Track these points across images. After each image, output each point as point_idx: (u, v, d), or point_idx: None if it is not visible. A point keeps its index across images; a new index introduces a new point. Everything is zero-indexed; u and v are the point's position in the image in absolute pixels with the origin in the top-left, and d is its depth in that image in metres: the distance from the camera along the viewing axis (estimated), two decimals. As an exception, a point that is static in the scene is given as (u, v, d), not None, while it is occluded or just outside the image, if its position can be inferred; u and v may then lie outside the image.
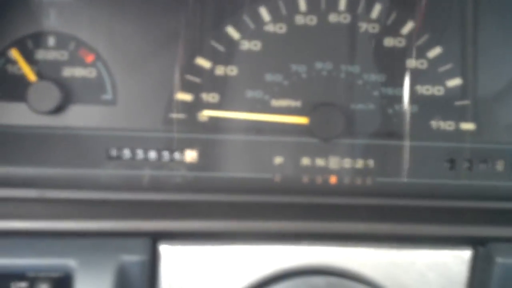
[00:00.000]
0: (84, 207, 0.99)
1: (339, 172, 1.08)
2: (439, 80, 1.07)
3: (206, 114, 1.07)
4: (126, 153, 1.07)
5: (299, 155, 1.08)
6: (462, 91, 1.07)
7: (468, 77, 1.07)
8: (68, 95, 1.05)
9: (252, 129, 1.07)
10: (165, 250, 0.93)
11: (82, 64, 1.06)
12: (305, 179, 1.08)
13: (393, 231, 0.95)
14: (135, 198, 1.03)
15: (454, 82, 1.07)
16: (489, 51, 1.07)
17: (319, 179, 1.08)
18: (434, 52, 1.07)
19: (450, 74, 1.07)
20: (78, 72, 1.06)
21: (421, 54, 1.07)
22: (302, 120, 1.06)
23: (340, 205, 1.03)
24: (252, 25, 1.07)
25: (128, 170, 1.07)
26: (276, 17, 1.07)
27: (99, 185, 1.06)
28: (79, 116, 1.06)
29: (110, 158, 1.06)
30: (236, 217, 0.96)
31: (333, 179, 1.08)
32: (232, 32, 1.07)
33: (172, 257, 0.93)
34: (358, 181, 1.08)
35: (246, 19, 1.07)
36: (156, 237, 0.93)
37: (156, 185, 1.07)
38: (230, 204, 1.02)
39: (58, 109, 1.05)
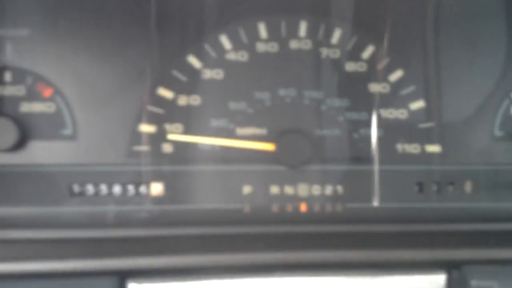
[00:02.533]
0: (48, 247, 0.96)
1: (308, 200, 1.07)
2: (403, 103, 1.08)
3: (171, 137, 1.05)
4: (90, 188, 1.04)
5: (268, 183, 1.07)
6: (426, 114, 1.08)
7: (431, 100, 1.08)
8: (26, 131, 1.02)
9: (218, 158, 1.06)
10: (134, 288, 0.91)
11: (40, 98, 1.04)
12: (275, 208, 1.07)
13: (366, 258, 0.94)
14: (100, 235, 1.00)
15: (417, 104, 1.08)
16: (451, 73, 1.09)
17: (289, 208, 1.07)
18: (396, 75, 1.08)
19: (413, 97, 1.08)
20: (36, 107, 1.03)
21: (383, 78, 1.08)
22: (268, 146, 1.05)
23: (311, 233, 1.02)
24: (213, 54, 1.06)
25: (92, 206, 1.03)
26: (237, 45, 1.07)
27: (63, 223, 1.03)
28: (39, 153, 1.03)
29: (73, 194, 1.03)
30: (206, 251, 0.94)
31: (303, 207, 1.07)
32: (193, 61, 1.06)
33: (141, 295, 0.91)
34: (328, 208, 1.07)
35: (207, 47, 1.06)
36: (124, 276, 0.91)
37: (121, 221, 1.04)
38: (199, 238, 1.00)
39: (17, 146, 1.02)
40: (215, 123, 1.06)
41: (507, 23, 1.09)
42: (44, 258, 0.91)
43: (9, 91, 1.03)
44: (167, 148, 1.05)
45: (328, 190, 1.07)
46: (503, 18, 1.09)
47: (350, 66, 1.08)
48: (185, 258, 0.93)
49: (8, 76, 1.03)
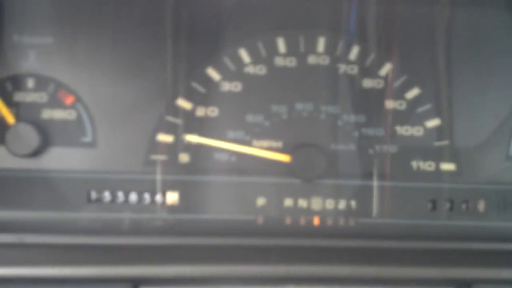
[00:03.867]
0: (63, 252, 0.97)
1: (321, 213, 1.07)
2: (418, 121, 1.08)
3: (189, 138, 1.06)
4: (107, 195, 1.05)
5: (282, 196, 1.07)
6: (441, 132, 1.08)
7: (447, 118, 1.08)
8: (47, 137, 1.04)
9: (234, 169, 1.07)
10: (146, 296, 0.92)
11: (62, 106, 1.05)
12: (288, 220, 1.07)
13: (377, 273, 0.94)
14: (115, 242, 1.01)
15: (433, 122, 1.08)
16: (467, 93, 1.09)
17: (302, 221, 1.07)
18: (412, 93, 1.08)
19: (429, 115, 1.08)
20: (57, 114, 1.05)
21: (399, 95, 1.08)
22: (284, 157, 1.06)
23: (323, 247, 1.02)
24: (232, 67, 1.07)
25: (108, 213, 1.05)
26: (256, 59, 1.08)
27: (79, 229, 1.04)
28: (58, 159, 1.05)
29: (90, 201, 1.05)
30: (219, 261, 0.94)
31: (316, 221, 1.07)
32: (212, 73, 1.07)
33: (153, 303, 0.92)
34: (341, 222, 1.07)
35: (227, 60, 1.07)
36: (137, 283, 0.91)
37: (136, 229, 1.05)
38: (212, 248, 1.01)
39: (37, 152, 1.03)
40: (232, 134, 1.07)
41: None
42: (58, 264, 0.92)
43: (32, 97, 1.05)
44: (184, 158, 1.07)
45: (342, 204, 1.07)
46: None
47: (367, 83, 1.08)
48: (198, 267, 0.93)
49: (31, 83, 1.05)
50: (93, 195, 1.05)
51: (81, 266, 0.92)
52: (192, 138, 1.06)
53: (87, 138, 1.06)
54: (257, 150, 1.06)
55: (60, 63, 1.06)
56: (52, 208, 1.04)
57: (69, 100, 1.06)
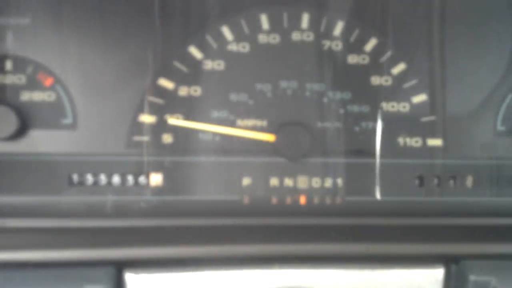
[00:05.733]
0: (46, 236, 0.96)
1: (308, 192, 1.07)
2: (405, 96, 1.07)
3: (171, 122, 1.05)
4: (89, 178, 1.04)
5: (267, 175, 1.06)
6: (428, 107, 1.07)
7: (434, 93, 1.07)
8: (26, 120, 1.02)
9: (218, 150, 1.06)
10: (131, 278, 0.91)
11: (41, 88, 1.03)
12: (274, 200, 1.06)
13: (365, 251, 0.94)
14: (99, 225, 1.00)
15: (420, 98, 1.07)
16: (454, 67, 1.08)
17: (288, 200, 1.06)
18: (398, 68, 1.07)
19: (415, 91, 1.07)
20: (36, 96, 1.03)
21: (385, 70, 1.07)
22: (269, 137, 1.05)
23: (310, 225, 1.02)
24: (215, 45, 1.06)
25: (91, 196, 1.04)
26: (239, 36, 1.06)
27: (61, 212, 1.03)
28: (39, 142, 1.03)
29: (72, 184, 1.03)
30: (204, 242, 0.94)
31: (302, 199, 1.07)
32: (195, 52, 1.05)
33: (138, 285, 0.91)
34: (328, 200, 1.06)
35: (209, 38, 1.06)
36: (121, 266, 0.91)
37: (120, 211, 1.04)
38: (197, 229, 1.00)
39: (17, 135, 1.01)
40: (215, 114, 1.06)
41: (513, 18, 1.09)
42: (42, 247, 0.91)
43: (10, 79, 1.03)
44: (167, 138, 1.05)
45: (328, 182, 1.07)
46: (508, 13, 1.08)
47: (352, 59, 1.07)
48: (183, 249, 0.93)
49: (8, 65, 1.03)
50: (75, 178, 1.03)
51: (65, 249, 0.91)
52: (174, 122, 1.05)
53: (67, 120, 1.04)
54: (241, 131, 1.05)
55: (38, 44, 1.03)
56: (34, 191, 1.03)
57: (48, 81, 1.03)
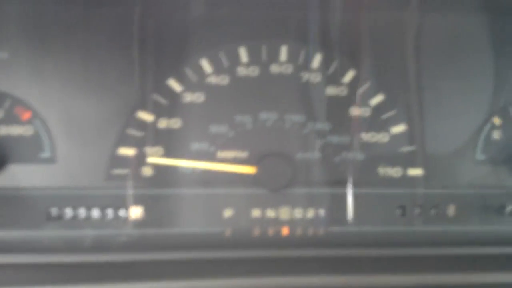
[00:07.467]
0: (24, 272, 0.94)
1: (290, 223, 1.06)
2: (384, 127, 1.08)
3: (150, 161, 1.04)
4: (68, 212, 1.02)
5: (249, 207, 1.05)
6: (407, 137, 1.08)
7: (412, 124, 1.08)
8: (4, 154, 1.01)
9: (199, 181, 1.05)
10: (110, 313, 0.89)
11: (18, 122, 1.03)
12: (256, 231, 1.05)
13: (348, 283, 0.93)
14: (78, 260, 0.97)
15: (399, 128, 1.08)
16: (432, 97, 1.09)
17: (270, 231, 1.05)
18: (377, 99, 1.08)
19: (394, 121, 1.08)
20: (14, 130, 1.03)
21: (364, 102, 1.08)
22: (249, 169, 1.04)
23: (293, 257, 1.00)
24: (194, 77, 1.06)
25: (70, 230, 1.02)
26: (218, 69, 1.06)
27: (40, 248, 1.00)
28: (17, 176, 1.02)
29: (50, 218, 1.02)
30: (186, 276, 0.92)
31: (285, 231, 1.06)
32: (174, 84, 1.06)
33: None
34: (310, 231, 1.06)
35: (188, 71, 1.06)
36: None
37: (100, 246, 1.02)
38: (179, 262, 0.98)
39: (-5, 169, 1.00)
40: (196, 146, 1.05)
41: (489, 49, 1.10)
42: (19, 283, 0.89)
43: None
44: (147, 171, 1.04)
45: (310, 213, 1.06)
46: (484, 43, 1.10)
47: (331, 90, 1.08)
48: (165, 283, 0.91)
49: (-14, 99, 1.03)
50: (54, 212, 1.02)
51: (43, 285, 0.89)
52: (154, 160, 1.04)
53: (46, 154, 1.03)
54: (222, 165, 1.05)
55: (16, 79, 1.03)
56: (11, 226, 1.01)
57: (26, 115, 1.03)
